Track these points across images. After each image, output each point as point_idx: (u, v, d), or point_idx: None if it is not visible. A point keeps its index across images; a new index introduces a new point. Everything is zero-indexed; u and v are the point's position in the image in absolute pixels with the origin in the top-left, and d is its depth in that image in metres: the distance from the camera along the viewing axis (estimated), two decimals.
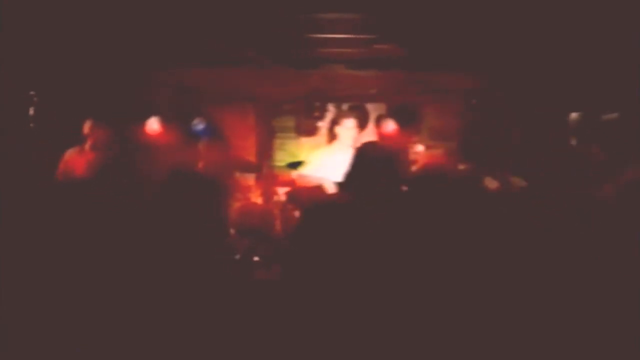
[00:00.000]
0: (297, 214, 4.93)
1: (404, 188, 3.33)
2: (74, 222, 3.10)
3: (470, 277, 2.91)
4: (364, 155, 3.09)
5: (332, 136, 5.88)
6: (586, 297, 3.08)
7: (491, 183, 3.47)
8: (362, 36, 6.02)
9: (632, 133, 4.32)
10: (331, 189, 4.66)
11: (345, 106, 6.59)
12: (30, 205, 3.13)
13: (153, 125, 5.62)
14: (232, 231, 4.88)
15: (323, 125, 6.58)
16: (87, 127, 5.11)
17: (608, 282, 3.10)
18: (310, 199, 4.58)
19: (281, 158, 6.54)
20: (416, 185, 3.27)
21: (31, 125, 5.18)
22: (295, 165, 5.50)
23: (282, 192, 5.56)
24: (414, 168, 5.05)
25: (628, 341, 2.90)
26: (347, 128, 5.47)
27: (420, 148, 5.77)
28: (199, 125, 5.66)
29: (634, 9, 4.65)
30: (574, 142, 4.48)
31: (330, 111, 6.61)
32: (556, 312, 2.99)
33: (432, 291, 2.86)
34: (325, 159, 5.30)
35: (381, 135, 5.85)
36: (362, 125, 6.11)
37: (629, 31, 4.89)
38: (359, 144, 3.27)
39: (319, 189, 4.87)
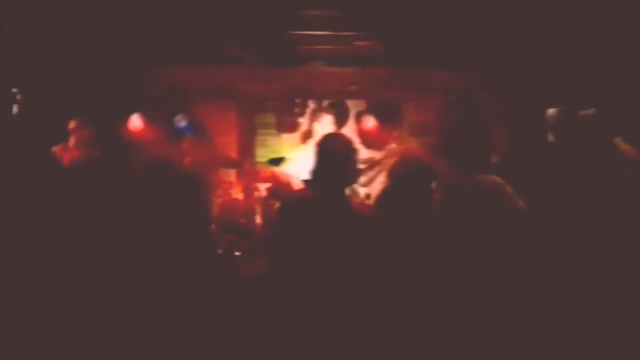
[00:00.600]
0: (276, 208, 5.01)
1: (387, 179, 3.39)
2: (58, 217, 3.14)
3: (445, 268, 2.98)
4: (323, 150, 3.14)
5: (309, 133, 5.95)
6: (567, 296, 3.14)
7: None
8: (343, 33, 6.07)
9: (617, 128, 4.36)
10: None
11: (325, 103, 6.66)
12: (15, 202, 3.16)
13: (136, 122, 5.66)
14: (214, 227, 4.93)
15: (304, 122, 6.64)
16: (71, 124, 5.12)
17: (601, 282, 3.15)
18: (289, 194, 4.64)
19: (263, 154, 6.58)
20: (398, 176, 3.33)
21: (15, 122, 5.17)
22: (276, 162, 5.57)
23: (263, 188, 5.63)
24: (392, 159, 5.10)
25: (626, 340, 2.96)
26: (325, 125, 5.59)
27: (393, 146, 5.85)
28: (181, 122, 5.70)
29: (616, 7, 4.73)
30: (552, 139, 4.51)
31: (311, 108, 6.68)
32: (534, 310, 3.05)
33: (414, 285, 2.93)
34: (305, 156, 5.37)
35: (361, 132, 5.92)
36: (342, 121, 6.21)
37: (613, 29, 4.96)
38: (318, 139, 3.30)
39: (298, 185, 4.94)
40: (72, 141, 5.14)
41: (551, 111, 4.46)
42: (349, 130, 6.16)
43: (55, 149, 5.15)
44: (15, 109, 5.16)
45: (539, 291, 3.08)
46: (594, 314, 3.08)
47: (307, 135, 5.93)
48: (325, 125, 5.57)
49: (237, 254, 4.70)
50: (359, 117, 6.20)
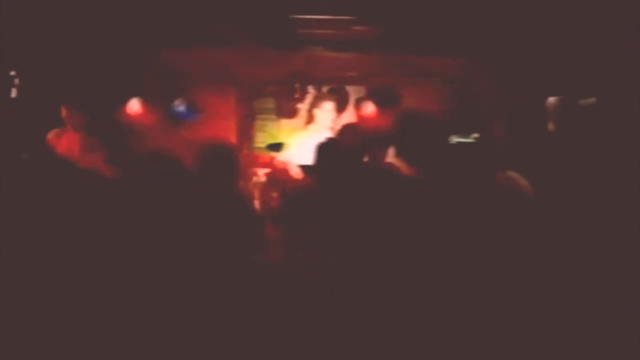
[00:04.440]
0: (275, 195, 5.03)
1: None
2: (58, 205, 3.14)
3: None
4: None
5: (309, 118, 5.95)
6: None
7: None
8: (342, 17, 6.05)
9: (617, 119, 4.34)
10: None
11: (325, 88, 6.63)
12: (14, 189, 3.16)
13: (134, 106, 5.64)
14: None
15: (303, 107, 6.62)
16: (62, 112, 5.10)
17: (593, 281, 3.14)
18: (289, 182, 4.65)
19: (261, 140, 6.58)
20: None
21: (13, 106, 5.17)
22: (275, 147, 5.56)
23: (261, 173, 5.64)
24: None
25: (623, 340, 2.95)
26: (326, 111, 5.60)
27: None
28: (179, 106, 5.70)
29: None
30: (552, 128, 4.49)
31: (311, 93, 6.65)
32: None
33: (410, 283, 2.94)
34: (303, 142, 5.38)
35: (360, 118, 5.90)
36: (341, 107, 6.19)
37: (615, 16, 4.93)
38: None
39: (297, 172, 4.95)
40: (68, 127, 5.12)
41: (551, 100, 4.44)
42: (349, 116, 6.15)
43: (54, 132, 5.14)
44: (13, 93, 5.15)
45: (537, 289, 3.06)
46: (592, 314, 3.07)
47: (310, 120, 5.93)
48: (325, 112, 5.58)
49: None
50: (358, 103, 6.17)
